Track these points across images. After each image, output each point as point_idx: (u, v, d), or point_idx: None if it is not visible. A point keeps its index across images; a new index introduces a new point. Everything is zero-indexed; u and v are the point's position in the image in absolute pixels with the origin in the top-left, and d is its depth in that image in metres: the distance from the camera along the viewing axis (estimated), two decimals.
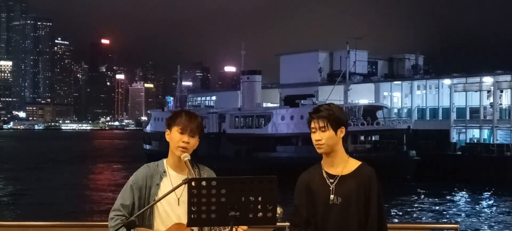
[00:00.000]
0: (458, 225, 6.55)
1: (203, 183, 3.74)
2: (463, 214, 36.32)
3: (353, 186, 4.39)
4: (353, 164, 4.50)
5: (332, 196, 4.41)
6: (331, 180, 4.45)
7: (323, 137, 4.42)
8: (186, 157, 4.37)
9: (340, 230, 4.39)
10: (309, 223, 4.44)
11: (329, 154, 4.47)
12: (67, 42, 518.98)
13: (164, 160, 4.55)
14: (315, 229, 4.44)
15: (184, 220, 4.25)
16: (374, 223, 4.36)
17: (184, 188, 4.19)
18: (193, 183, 3.73)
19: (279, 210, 4.21)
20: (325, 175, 4.48)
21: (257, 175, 3.85)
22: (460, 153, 55.86)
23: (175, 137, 4.42)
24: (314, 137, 4.46)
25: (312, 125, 4.48)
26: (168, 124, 4.50)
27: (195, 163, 4.43)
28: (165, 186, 4.40)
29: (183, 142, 4.39)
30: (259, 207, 3.79)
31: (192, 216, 3.74)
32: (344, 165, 4.48)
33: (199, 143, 4.53)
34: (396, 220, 32.86)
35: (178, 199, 4.38)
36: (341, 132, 4.46)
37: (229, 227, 3.91)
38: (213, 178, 3.85)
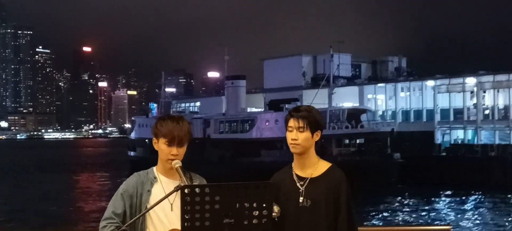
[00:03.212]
0: (451, 227, 6.38)
1: (197, 190, 3.65)
2: (452, 215, 36.38)
3: (323, 188, 4.36)
4: (323, 166, 4.47)
5: (301, 199, 4.37)
6: (301, 183, 4.41)
7: (299, 137, 4.41)
8: (177, 163, 4.25)
9: None
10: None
11: (301, 155, 4.45)
12: (49, 51, 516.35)
13: (154, 168, 4.43)
14: None
15: (177, 225, 4.15)
16: (344, 225, 4.32)
17: (177, 193, 4.11)
18: (186, 190, 3.64)
19: (276, 208, 4.16)
20: (295, 177, 4.44)
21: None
22: (444, 154, 56.19)
23: (163, 148, 4.29)
24: (291, 135, 4.45)
25: (290, 124, 4.46)
26: (155, 133, 4.36)
27: (186, 170, 4.31)
28: (156, 192, 4.28)
29: (172, 154, 4.27)
30: (254, 213, 3.73)
31: (186, 224, 3.65)
32: (314, 167, 4.44)
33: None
34: (378, 223, 32.87)
35: (171, 204, 4.25)
36: (317, 135, 4.45)
37: None
38: (207, 185, 3.77)
